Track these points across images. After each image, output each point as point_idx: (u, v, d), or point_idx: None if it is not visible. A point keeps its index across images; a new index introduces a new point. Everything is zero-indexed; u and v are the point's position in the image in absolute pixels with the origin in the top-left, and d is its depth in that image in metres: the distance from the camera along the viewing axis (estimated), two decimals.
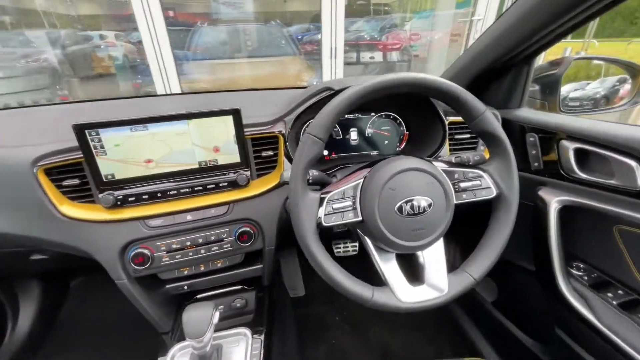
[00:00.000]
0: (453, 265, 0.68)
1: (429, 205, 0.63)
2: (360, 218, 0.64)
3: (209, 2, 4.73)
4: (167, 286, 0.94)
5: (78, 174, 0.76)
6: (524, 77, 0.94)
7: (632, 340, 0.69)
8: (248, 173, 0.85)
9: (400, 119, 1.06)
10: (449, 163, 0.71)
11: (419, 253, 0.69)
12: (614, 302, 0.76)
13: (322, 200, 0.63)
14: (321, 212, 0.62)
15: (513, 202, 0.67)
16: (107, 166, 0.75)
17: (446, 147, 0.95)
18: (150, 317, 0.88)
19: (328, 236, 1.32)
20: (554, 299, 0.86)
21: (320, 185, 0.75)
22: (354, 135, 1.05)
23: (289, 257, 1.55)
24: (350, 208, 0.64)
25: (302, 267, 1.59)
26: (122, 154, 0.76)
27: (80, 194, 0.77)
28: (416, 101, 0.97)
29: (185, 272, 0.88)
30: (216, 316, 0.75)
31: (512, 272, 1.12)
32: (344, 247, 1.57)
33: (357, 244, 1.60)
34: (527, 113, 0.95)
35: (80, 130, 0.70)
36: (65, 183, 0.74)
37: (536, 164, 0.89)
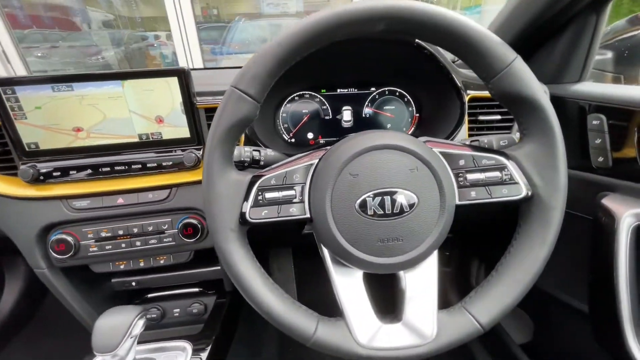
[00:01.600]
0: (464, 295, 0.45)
1: (411, 205, 0.40)
2: (307, 215, 0.44)
3: (254, 2, 4.82)
4: (113, 281, 0.81)
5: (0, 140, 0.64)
6: (589, 34, 0.65)
7: None
8: (200, 152, 0.68)
9: (408, 97, 0.82)
10: (456, 145, 0.47)
11: (401, 273, 0.46)
12: None
13: (251, 185, 0.44)
14: (247, 202, 0.43)
15: (555, 209, 0.42)
16: (30, 133, 0.63)
17: (464, 130, 0.69)
18: (78, 315, 0.75)
19: None
20: None
21: None
22: (347, 115, 0.84)
23: (281, 258, 1.37)
24: (295, 199, 0.44)
25: (297, 271, 1.39)
26: (45, 118, 0.63)
27: (3, 165, 0.66)
28: (431, 73, 0.73)
29: (122, 267, 0.73)
30: (139, 325, 0.59)
31: (555, 309, 0.82)
32: None
33: None
34: (590, 87, 0.66)
35: None
36: None
37: (601, 159, 0.60)
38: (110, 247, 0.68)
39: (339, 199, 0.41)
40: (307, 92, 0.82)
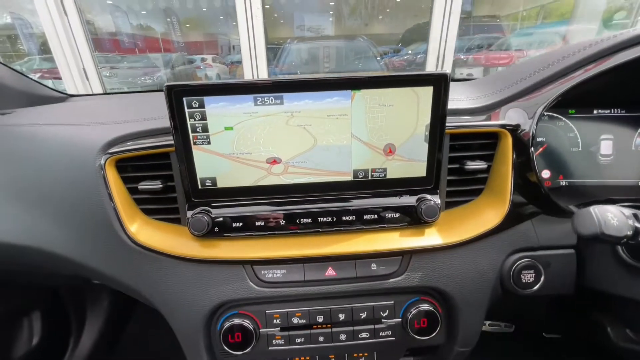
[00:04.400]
0: None
1: None
2: None
3: (290, 28, 4.95)
4: None
5: (162, 172, 0.45)
6: None
7: None
8: (437, 199, 0.44)
9: None
10: None
11: None
12: None
13: None
14: None
15: None
16: (208, 164, 0.43)
17: None
18: None
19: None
20: None
21: None
22: (606, 147, 0.58)
23: None
24: None
25: None
26: (235, 144, 0.43)
27: (161, 206, 0.46)
28: None
29: None
30: None
31: None
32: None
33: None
34: None
35: (177, 97, 0.40)
36: (143, 187, 0.44)
37: None
38: (302, 340, 0.44)
39: None
40: (546, 113, 0.58)
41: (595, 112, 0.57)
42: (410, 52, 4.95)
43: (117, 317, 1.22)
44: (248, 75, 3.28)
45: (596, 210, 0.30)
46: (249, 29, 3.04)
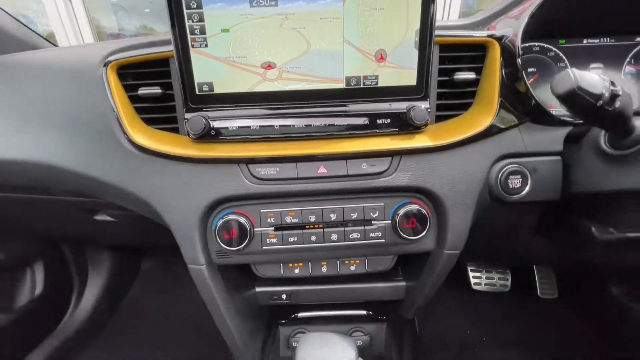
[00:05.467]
0: None
1: None
2: None
3: None
4: (257, 290, 0.59)
5: (162, 80, 0.47)
6: None
7: None
8: (427, 105, 0.46)
9: None
10: None
11: None
12: None
13: None
14: None
15: None
16: (205, 68, 0.45)
17: None
18: (229, 335, 0.52)
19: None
20: None
21: None
22: None
23: None
24: None
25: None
26: (231, 47, 0.44)
27: (160, 115, 0.48)
28: None
29: (297, 271, 0.51)
30: None
31: None
32: (487, 277, 1.06)
33: (508, 276, 1.07)
34: None
35: None
36: (143, 91, 0.46)
37: None
38: (294, 239, 0.46)
39: None
40: (536, 43, 0.59)
41: (585, 41, 0.59)
42: None
43: (118, 281, 1.24)
44: None
45: (574, 69, 0.32)
46: None
